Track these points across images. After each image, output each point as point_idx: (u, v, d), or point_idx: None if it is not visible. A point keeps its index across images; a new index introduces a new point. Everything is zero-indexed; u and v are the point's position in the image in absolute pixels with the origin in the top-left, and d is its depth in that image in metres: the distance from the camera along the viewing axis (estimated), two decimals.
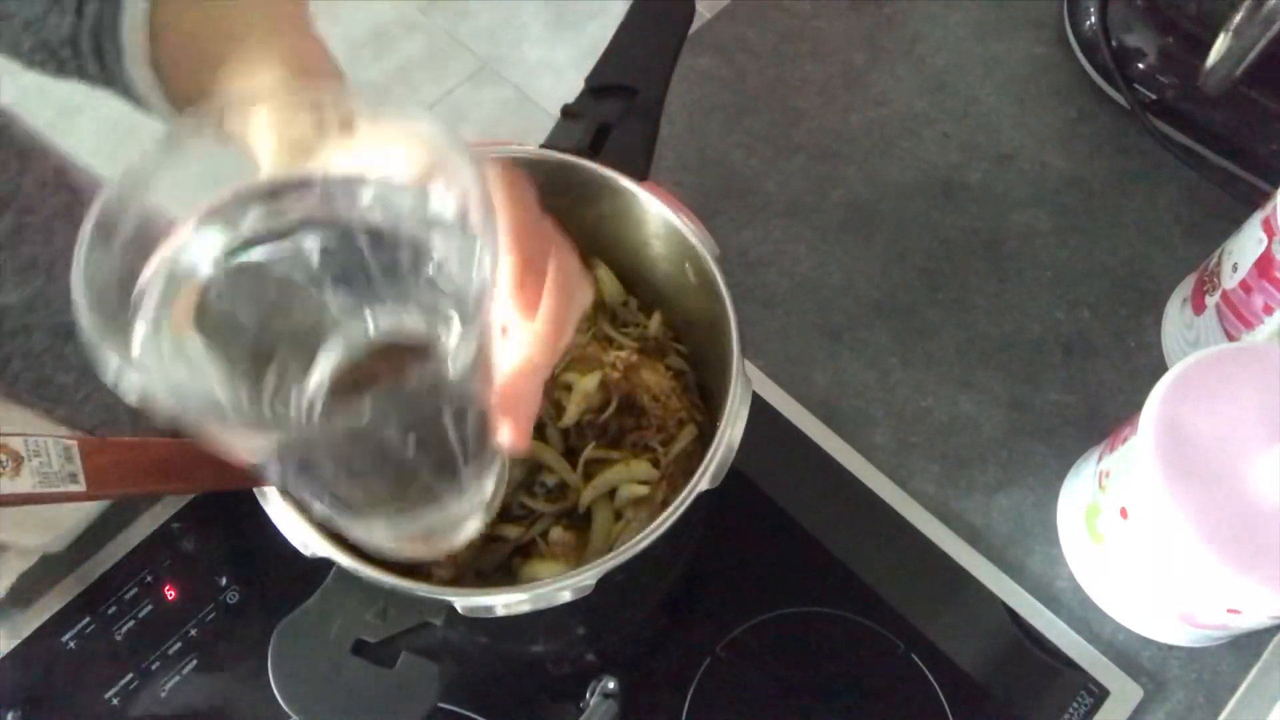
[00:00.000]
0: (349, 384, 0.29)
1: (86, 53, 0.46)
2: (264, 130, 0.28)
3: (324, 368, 0.29)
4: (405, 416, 0.25)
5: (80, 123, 1.68)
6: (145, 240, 0.26)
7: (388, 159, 0.28)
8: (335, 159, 0.28)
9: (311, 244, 0.28)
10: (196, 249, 0.27)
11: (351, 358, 0.30)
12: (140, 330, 0.25)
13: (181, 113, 0.47)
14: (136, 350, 0.24)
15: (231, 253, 0.27)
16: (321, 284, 0.29)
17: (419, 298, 0.29)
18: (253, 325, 0.28)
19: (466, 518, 0.34)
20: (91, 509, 0.55)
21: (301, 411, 0.28)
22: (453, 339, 0.26)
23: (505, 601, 0.36)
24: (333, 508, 0.31)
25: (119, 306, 0.25)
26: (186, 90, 0.46)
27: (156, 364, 0.25)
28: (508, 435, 0.32)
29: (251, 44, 0.40)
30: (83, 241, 0.24)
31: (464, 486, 0.32)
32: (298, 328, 0.29)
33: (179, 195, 0.27)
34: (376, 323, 0.29)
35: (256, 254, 0.27)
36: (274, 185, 0.28)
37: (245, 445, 0.26)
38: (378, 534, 0.34)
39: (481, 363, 0.27)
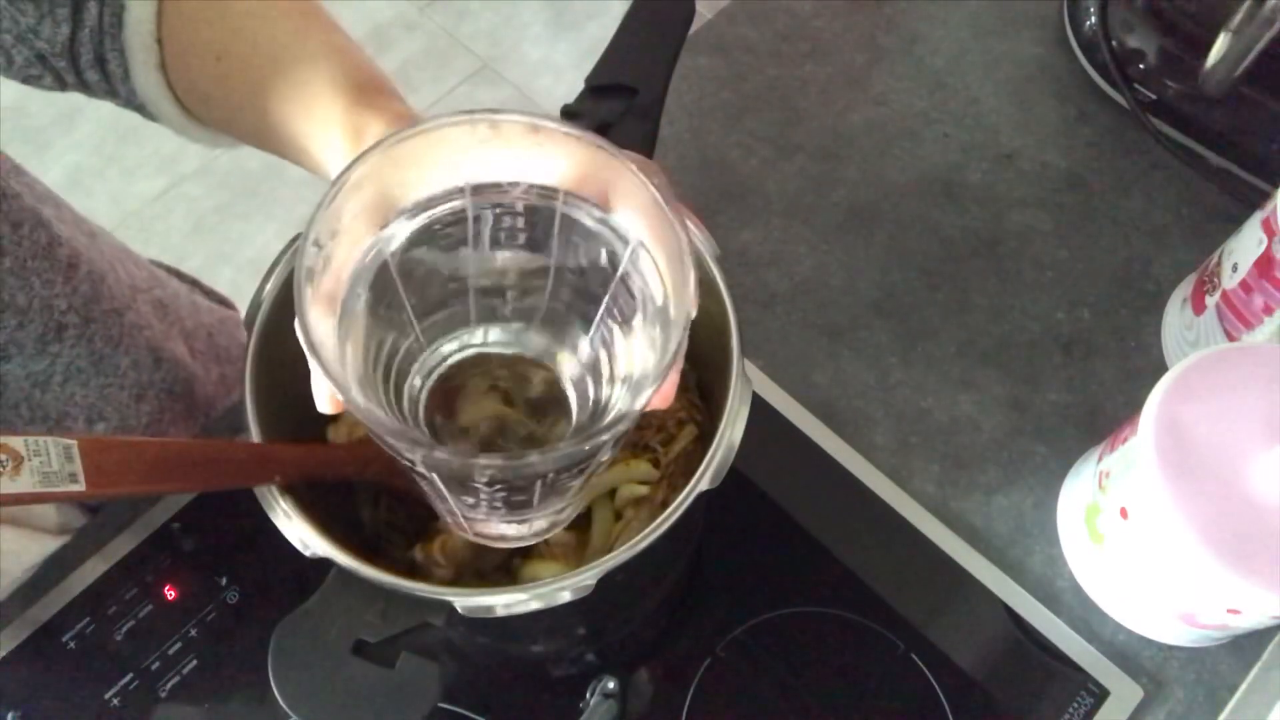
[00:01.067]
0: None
1: (85, 63, 0.44)
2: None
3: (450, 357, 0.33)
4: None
5: (80, 124, 1.68)
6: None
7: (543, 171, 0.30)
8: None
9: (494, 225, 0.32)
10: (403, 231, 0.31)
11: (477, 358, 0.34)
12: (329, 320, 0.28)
13: (197, 122, 0.46)
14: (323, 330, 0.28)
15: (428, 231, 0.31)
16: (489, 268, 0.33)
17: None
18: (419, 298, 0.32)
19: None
20: (34, 560, 0.54)
21: (413, 399, 0.32)
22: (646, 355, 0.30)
23: (505, 601, 0.36)
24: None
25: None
26: (207, 98, 0.44)
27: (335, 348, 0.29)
28: None
29: (293, 59, 0.40)
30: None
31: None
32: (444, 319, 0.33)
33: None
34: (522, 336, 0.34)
35: (448, 232, 0.31)
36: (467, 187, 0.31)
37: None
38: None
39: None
